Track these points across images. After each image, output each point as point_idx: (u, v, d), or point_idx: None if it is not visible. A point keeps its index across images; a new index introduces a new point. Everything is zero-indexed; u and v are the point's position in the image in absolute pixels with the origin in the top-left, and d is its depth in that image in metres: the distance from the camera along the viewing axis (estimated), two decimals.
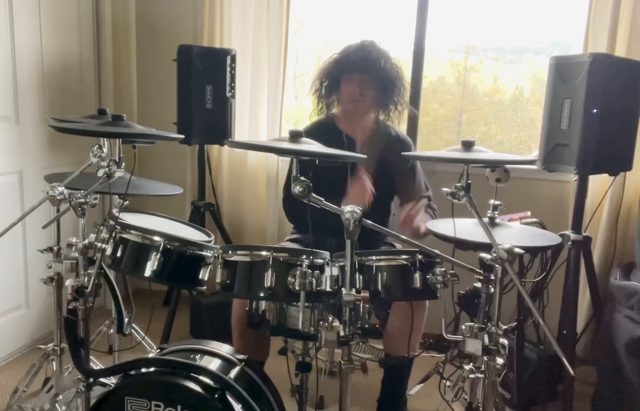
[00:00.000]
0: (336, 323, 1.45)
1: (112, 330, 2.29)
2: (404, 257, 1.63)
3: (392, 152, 2.30)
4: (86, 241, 1.76)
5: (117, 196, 1.96)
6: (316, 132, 2.30)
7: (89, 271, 1.74)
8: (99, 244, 1.68)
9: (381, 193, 2.35)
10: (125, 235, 1.69)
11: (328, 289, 1.53)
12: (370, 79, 2.27)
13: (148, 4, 3.36)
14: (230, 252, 1.63)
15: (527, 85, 3.45)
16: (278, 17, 3.06)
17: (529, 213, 2.33)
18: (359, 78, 2.28)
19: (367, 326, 1.63)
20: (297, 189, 1.46)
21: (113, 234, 1.69)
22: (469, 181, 1.56)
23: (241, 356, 1.72)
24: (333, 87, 2.36)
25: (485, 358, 1.57)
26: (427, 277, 1.61)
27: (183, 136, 1.99)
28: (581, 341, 2.67)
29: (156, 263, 1.63)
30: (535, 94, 3.37)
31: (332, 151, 1.60)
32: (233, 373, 1.63)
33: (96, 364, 2.15)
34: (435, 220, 2.30)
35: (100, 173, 1.72)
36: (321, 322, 1.46)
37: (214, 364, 1.65)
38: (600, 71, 2.09)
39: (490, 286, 1.57)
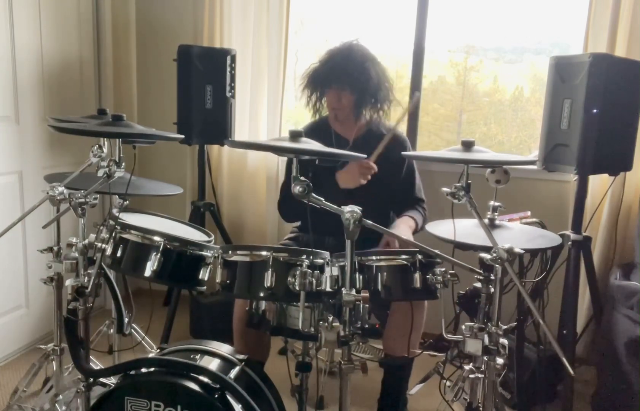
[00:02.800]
0: (336, 323, 1.45)
1: (112, 330, 2.29)
2: (404, 257, 1.63)
3: (386, 151, 2.31)
4: (86, 241, 1.76)
5: (117, 196, 1.96)
6: (310, 132, 2.31)
7: (89, 271, 1.75)
8: (99, 244, 1.68)
9: (378, 194, 2.35)
10: (125, 235, 1.69)
11: (328, 289, 1.54)
12: (344, 87, 2.28)
13: (148, 4, 3.36)
14: (230, 252, 1.63)
15: (527, 85, 3.45)
16: (278, 17, 3.06)
17: (529, 213, 2.33)
18: (334, 88, 2.31)
19: (367, 326, 1.64)
20: (297, 189, 1.47)
21: (113, 234, 1.69)
22: (469, 181, 1.56)
23: (241, 356, 1.72)
24: (317, 97, 2.38)
25: (485, 358, 1.57)
26: (427, 277, 1.61)
27: (183, 136, 2.00)
28: (581, 341, 2.67)
29: (156, 263, 1.63)
30: (535, 94, 3.36)
31: (332, 151, 1.61)
32: (233, 373, 1.63)
33: (96, 364, 2.15)
34: (426, 222, 2.33)
35: (100, 173, 1.73)
36: (321, 322, 1.46)
37: (214, 364, 1.65)
38: (600, 71, 2.09)
39: (490, 286, 1.57)
